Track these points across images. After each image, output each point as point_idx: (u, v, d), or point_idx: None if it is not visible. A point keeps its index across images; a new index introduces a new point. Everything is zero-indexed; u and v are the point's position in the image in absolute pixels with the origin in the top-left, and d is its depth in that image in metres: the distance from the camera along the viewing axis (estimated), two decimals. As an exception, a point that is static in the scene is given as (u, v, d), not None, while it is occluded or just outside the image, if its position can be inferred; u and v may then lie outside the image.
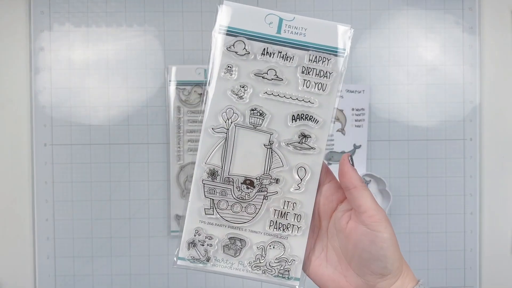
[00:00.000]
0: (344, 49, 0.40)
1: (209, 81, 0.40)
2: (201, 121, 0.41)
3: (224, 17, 0.40)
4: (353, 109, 0.71)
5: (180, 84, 0.70)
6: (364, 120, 0.71)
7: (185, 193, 0.69)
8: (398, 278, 0.39)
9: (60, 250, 0.71)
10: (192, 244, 0.42)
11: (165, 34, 0.71)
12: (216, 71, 0.40)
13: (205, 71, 0.69)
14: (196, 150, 0.69)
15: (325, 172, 0.41)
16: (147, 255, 0.70)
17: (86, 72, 0.71)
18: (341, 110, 0.71)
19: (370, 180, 0.72)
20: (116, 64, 0.71)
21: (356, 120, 0.71)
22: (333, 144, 0.71)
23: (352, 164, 0.40)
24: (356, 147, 0.71)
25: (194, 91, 0.70)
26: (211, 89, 0.40)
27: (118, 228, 0.71)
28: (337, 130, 0.71)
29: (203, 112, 0.41)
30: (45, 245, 0.71)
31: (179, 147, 0.70)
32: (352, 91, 0.71)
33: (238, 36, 0.40)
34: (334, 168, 0.40)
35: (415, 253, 0.72)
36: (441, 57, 0.72)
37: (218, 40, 0.40)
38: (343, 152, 0.71)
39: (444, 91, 0.72)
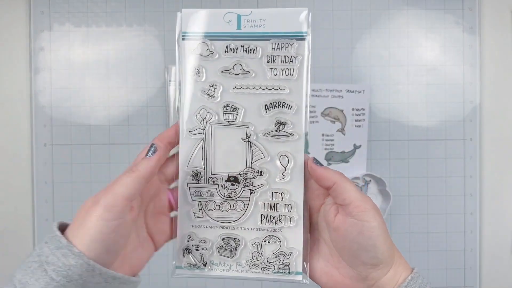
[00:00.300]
0: (306, 32, 0.40)
1: (180, 87, 0.41)
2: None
3: (184, 24, 0.40)
4: (353, 109, 0.71)
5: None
6: (364, 120, 0.71)
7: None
8: (391, 268, 0.38)
9: (60, 250, 0.71)
10: (186, 250, 0.41)
11: (165, 34, 0.71)
12: (185, 76, 0.40)
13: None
14: (196, 150, 0.69)
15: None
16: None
17: (86, 72, 0.71)
18: (341, 110, 0.71)
19: (370, 180, 0.72)
20: (116, 64, 0.71)
21: (356, 120, 0.71)
22: (333, 144, 0.71)
23: (320, 164, 0.39)
24: (356, 147, 0.71)
25: (194, 91, 0.70)
26: (182, 94, 0.41)
27: (118, 228, 0.71)
28: (337, 130, 0.71)
29: (179, 117, 0.41)
30: (45, 245, 0.71)
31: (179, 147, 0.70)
32: (352, 91, 0.71)
33: (200, 38, 0.40)
34: (334, 168, 0.40)
35: (415, 253, 0.72)
36: (441, 57, 0.72)
37: (182, 46, 0.40)
38: (343, 152, 0.71)
39: (444, 91, 0.72)
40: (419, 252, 0.72)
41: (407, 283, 0.37)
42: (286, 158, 0.41)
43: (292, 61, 0.40)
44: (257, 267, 0.41)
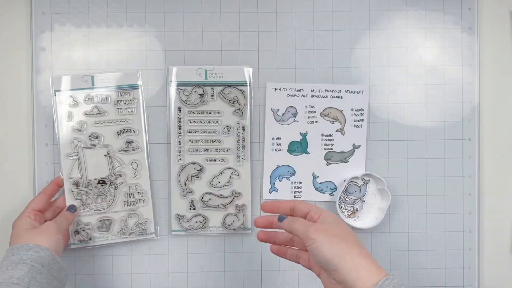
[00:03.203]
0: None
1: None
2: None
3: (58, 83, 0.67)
4: (352, 109, 0.71)
5: (180, 84, 0.70)
6: (363, 120, 0.72)
7: (185, 193, 0.70)
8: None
9: (61, 249, 0.71)
10: (76, 232, 0.67)
11: (165, 35, 0.71)
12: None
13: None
14: (196, 150, 0.70)
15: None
16: (148, 255, 0.71)
17: (87, 73, 0.71)
18: (341, 110, 0.71)
19: (369, 180, 0.72)
20: (116, 64, 0.71)
21: (355, 120, 0.72)
22: (332, 144, 0.72)
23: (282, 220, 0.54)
24: (355, 147, 0.72)
25: (195, 91, 0.70)
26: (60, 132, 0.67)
27: (118, 228, 0.71)
28: (336, 130, 0.72)
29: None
30: (46, 244, 0.71)
31: (180, 147, 0.70)
32: (352, 92, 0.71)
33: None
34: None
35: (414, 252, 0.73)
36: (440, 57, 0.73)
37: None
38: (342, 152, 0.71)
39: (443, 91, 0.73)
40: (417, 251, 0.73)
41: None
42: (136, 163, 0.68)
43: (132, 104, 0.68)
44: (125, 235, 0.68)
